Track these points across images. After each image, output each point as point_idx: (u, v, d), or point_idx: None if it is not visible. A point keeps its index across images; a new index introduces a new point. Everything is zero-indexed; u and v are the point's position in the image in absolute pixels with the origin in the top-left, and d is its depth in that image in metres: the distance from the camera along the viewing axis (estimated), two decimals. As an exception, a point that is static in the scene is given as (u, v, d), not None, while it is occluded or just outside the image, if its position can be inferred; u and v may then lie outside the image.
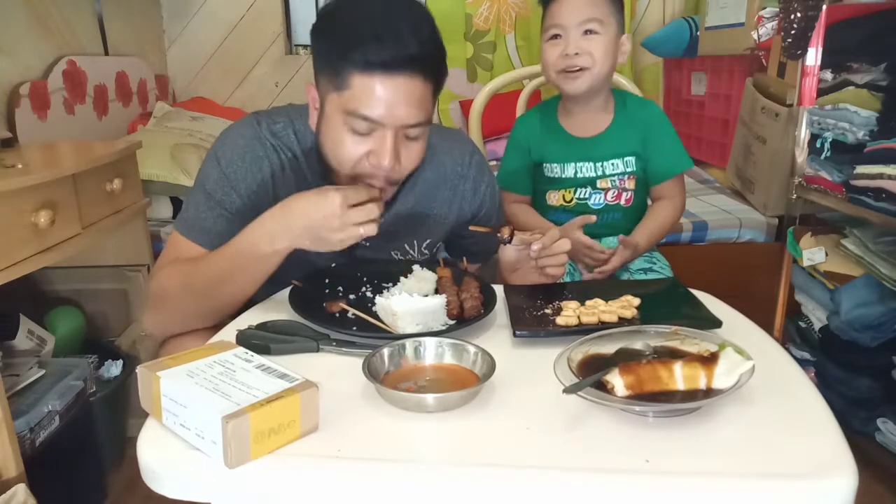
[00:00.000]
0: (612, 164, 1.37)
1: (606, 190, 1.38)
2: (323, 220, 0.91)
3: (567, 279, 1.34)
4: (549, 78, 1.35)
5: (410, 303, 0.91)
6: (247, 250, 0.96)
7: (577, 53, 1.27)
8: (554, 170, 1.38)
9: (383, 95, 0.92)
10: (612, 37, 1.29)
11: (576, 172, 1.37)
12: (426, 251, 1.21)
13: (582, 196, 1.38)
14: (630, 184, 1.38)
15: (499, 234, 1.05)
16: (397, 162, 0.97)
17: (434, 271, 1.09)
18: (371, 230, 0.92)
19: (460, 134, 1.27)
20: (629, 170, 1.37)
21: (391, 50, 0.90)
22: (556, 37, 1.29)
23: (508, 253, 1.07)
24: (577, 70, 1.28)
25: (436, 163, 1.15)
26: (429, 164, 1.12)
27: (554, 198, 1.40)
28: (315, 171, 1.08)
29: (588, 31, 1.27)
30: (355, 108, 0.93)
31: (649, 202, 1.46)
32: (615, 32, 1.30)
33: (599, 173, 1.37)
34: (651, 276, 1.37)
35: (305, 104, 1.09)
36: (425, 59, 0.94)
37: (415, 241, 1.19)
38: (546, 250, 1.02)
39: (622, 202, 1.39)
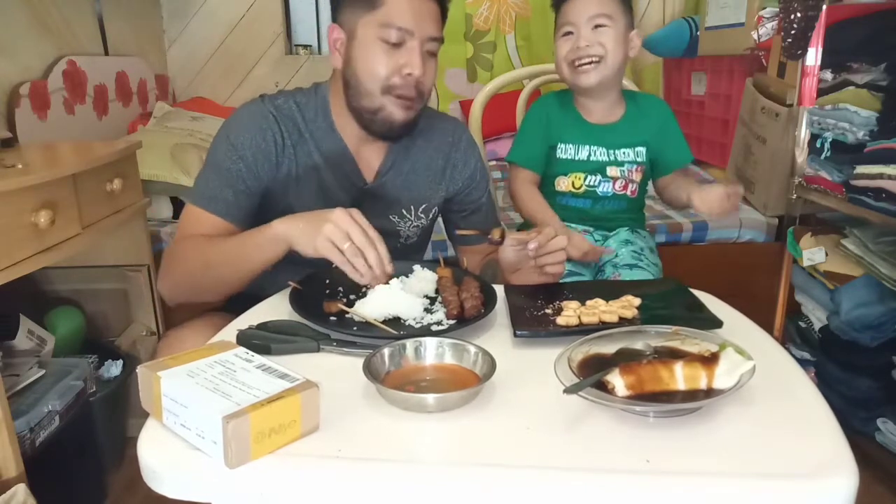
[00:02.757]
0: (624, 152, 1.42)
1: (615, 179, 1.42)
2: (324, 213, 0.98)
3: (571, 279, 1.34)
4: (562, 74, 1.40)
5: (373, 307, 0.95)
6: (256, 231, 1.04)
7: (587, 45, 1.33)
8: (568, 150, 1.42)
9: (412, 9, 1.08)
10: (622, 30, 1.35)
11: (589, 156, 1.41)
12: (422, 215, 1.28)
13: (591, 183, 1.42)
14: (637, 176, 1.43)
15: (490, 237, 1.07)
16: (424, 74, 1.10)
17: (434, 271, 1.09)
18: (349, 251, 0.96)
19: (452, 116, 1.37)
20: (639, 159, 1.42)
21: None
22: (568, 34, 1.36)
23: (508, 254, 1.08)
24: (589, 63, 1.34)
25: (429, 133, 1.26)
26: (423, 134, 1.24)
27: (563, 183, 1.43)
28: (322, 131, 1.17)
29: (598, 26, 1.33)
30: (391, 20, 1.07)
31: (649, 188, 1.51)
32: (624, 26, 1.35)
33: (612, 159, 1.40)
34: (637, 272, 1.37)
35: (303, 88, 1.22)
36: None
37: (411, 206, 1.26)
38: (543, 248, 1.03)
39: (628, 193, 1.44)
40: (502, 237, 1.07)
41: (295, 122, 1.16)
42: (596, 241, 1.47)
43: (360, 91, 1.12)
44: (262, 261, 1.04)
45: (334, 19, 1.15)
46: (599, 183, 1.42)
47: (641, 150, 1.42)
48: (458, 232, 1.20)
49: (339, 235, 0.95)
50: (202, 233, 1.11)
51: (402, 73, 1.09)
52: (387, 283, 0.99)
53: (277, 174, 1.15)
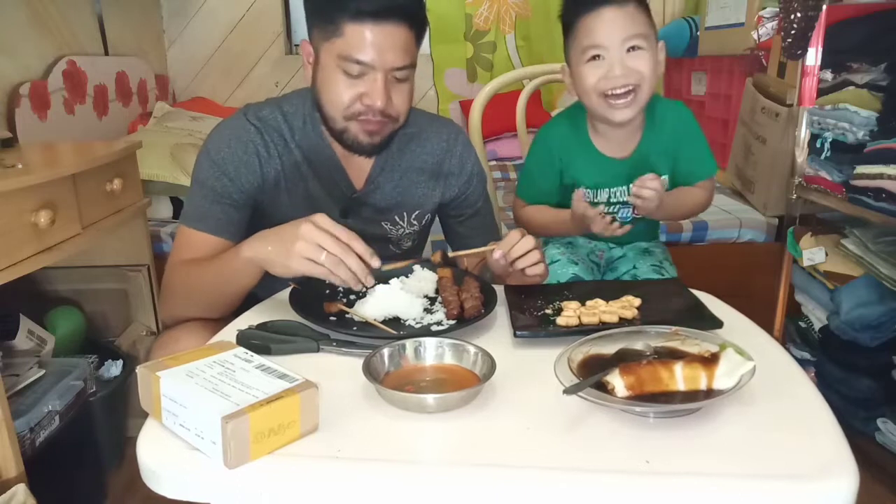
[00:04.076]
0: None
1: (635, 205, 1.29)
2: (293, 228, 0.94)
3: (572, 279, 1.34)
4: (589, 103, 1.23)
5: (373, 307, 0.96)
6: (230, 256, 1.02)
7: (623, 74, 1.15)
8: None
9: (373, 41, 1.01)
10: (655, 50, 1.19)
11: (609, 197, 1.32)
12: (415, 222, 1.26)
13: (611, 211, 1.32)
14: None
15: (431, 259, 1.09)
16: (389, 101, 1.05)
17: (434, 271, 1.09)
18: (330, 262, 0.92)
19: (449, 120, 1.33)
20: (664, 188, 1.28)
21: (380, 0, 0.99)
22: (595, 58, 1.17)
23: (494, 266, 1.07)
24: (626, 93, 1.17)
25: (423, 139, 1.23)
26: (416, 140, 1.22)
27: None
28: (309, 140, 1.14)
29: (632, 48, 1.15)
30: (348, 53, 1.02)
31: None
32: (655, 44, 1.19)
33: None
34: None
35: (297, 90, 1.18)
36: (410, 8, 1.04)
37: (404, 213, 1.24)
38: (511, 254, 1.01)
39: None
40: (443, 259, 1.07)
41: (280, 133, 1.14)
42: (602, 249, 1.44)
43: (325, 114, 1.10)
44: (243, 284, 1.03)
45: (308, 34, 1.11)
46: (618, 209, 1.32)
47: (665, 178, 1.28)
48: (384, 268, 1.00)
49: (313, 250, 0.91)
50: (197, 253, 1.10)
51: (364, 102, 1.05)
52: (386, 282, 0.99)
53: (265, 185, 1.13)
